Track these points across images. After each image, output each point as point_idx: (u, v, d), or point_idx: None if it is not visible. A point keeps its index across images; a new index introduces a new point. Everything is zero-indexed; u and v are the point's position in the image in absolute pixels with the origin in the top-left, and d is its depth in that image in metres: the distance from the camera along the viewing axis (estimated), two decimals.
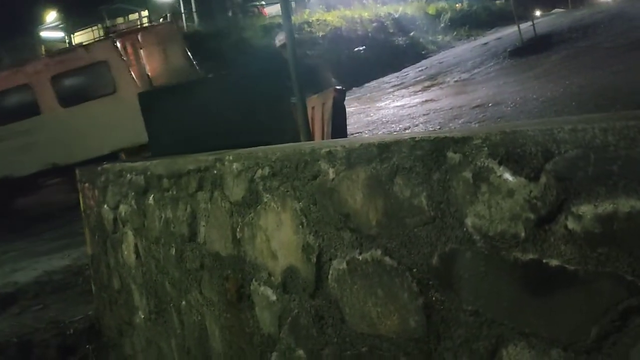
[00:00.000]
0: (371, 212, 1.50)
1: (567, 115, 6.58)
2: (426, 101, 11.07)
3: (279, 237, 1.93)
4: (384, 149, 1.45)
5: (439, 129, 8.06)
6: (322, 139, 5.66)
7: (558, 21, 15.43)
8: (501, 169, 1.16)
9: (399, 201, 1.41)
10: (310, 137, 4.72)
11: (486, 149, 1.19)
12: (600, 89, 7.39)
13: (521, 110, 7.73)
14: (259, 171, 2.01)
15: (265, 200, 1.98)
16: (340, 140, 1.82)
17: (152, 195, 2.92)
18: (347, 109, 7.50)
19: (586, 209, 1.01)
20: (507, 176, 1.15)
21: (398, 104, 11.89)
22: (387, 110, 11.45)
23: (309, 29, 19.16)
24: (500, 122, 7.41)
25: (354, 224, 1.57)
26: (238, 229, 2.18)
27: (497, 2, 21.48)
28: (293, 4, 24.07)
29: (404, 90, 13.55)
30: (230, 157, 2.19)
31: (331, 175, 1.64)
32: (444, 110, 9.42)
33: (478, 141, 1.21)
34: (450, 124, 8.15)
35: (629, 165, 0.95)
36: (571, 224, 1.04)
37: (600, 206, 0.99)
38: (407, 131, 8.64)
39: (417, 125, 8.89)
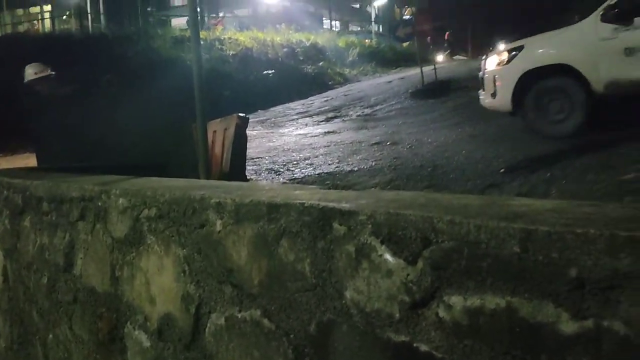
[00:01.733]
0: (254, 271, 1.49)
1: (456, 165, 6.94)
2: (328, 132, 11.26)
3: (159, 282, 1.86)
4: (273, 210, 1.44)
5: (337, 162, 8.22)
6: (221, 164, 5.60)
7: (457, 69, 16.33)
8: (383, 248, 1.19)
9: (283, 264, 1.40)
10: (208, 162, 4.64)
11: (370, 226, 1.22)
12: (488, 140, 7.86)
13: (416, 152, 8.05)
14: (146, 211, 1.94)
15: (149, 241, 1.91)
16: (233, 188, 1.80)
17: (29, 217, 2.74)
18: (250, 132, 7.48)
19: (456, 300, 1.06)
20: (388, 256, 1.17)
21: (301, 132, 12.00)
22: (289, 137, 11.52)
23: (220, 47, 19.01)
24: (396, 162, 7.68)
25: (237, 280, 1.55)
26: (117, 267, 2.08)
27: (404, 44, 22.42)
28: (206, 19, 23.85)
29: (308, 119, 13.71)
30: (117, 192, 2.10)
31: (218, 227, 1.61)
32: (345, 144, 9.61)
33: (363, 217, 1.23)
34: (349, 159, 8.33)
35: (497, 264, 1.00)
36: (442, 312, 1.08)
37: (469, 299, 1.04)
38: (306, 161, 8.73)
39: (316, 157, 9.00)
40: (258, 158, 9.32)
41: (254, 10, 27.61)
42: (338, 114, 13.56)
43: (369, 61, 21.72)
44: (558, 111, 6.87)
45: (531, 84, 6.97)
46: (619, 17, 6.46)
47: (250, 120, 6.66)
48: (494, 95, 7.31)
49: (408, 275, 1.14)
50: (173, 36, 19.32)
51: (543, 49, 7.27)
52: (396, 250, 1.16)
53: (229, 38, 19.91)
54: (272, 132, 12.38)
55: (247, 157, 6.54)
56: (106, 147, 5.21)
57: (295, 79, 18.78)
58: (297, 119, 14.09)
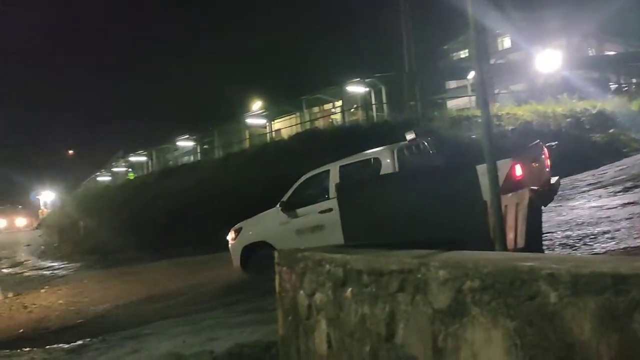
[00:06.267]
0: (602, 347, 1.40)
1: None
2: (628, 204, 10.16)
3: (486, 354, 1.87)
4: (619, 281, 1.36)
5: None
6: (515, 242, 5.43)
7: None
8: None
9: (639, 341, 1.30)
10: (504, 240, 4.55)
11: None
12: None
13: None
14: (468, 282, 1.99)
15: (474, 313, 1.94)
16: (565, 261, 1.75)
17: (350, 289, 3.00)
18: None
19: None
20: None
21: (595, 204, 11.05)
22: (581, 210, 10.69)
23: (497, 123, 18.91)
24: None
25: (580, 356, 1.47)
26: (440, 338, 2.15)
27: None
28: None
29: (601, 190, 12.59)
30: (436, 264, 2.20)
31: (553, 298, 1.57)
32: None
33: None
34: None
35: None
36: None
37: None
38: (606, 235, 7.99)
39: (618, 230, 8.16)
40: (549, 232, 8.83)
41: (531, 83, 26.98)
42: (638, 183, 12.20)
43: None
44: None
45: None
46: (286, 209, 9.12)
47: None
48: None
49: None
50: (450, 117, 19.88)
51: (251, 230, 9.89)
52: None
53: (507, 113, 19.72)
54: (560, 206, 11.65)
55: (541, 237, 6.27)
56: (398, 222, 5.49)
57: (582, 150, 17.55)
58: (588, 190, 13.05)
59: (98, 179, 43.21)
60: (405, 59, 23.74)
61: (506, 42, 36.22)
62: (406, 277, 2.43)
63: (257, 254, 9.34)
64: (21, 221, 41.13)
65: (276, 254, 4.76)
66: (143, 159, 38.01)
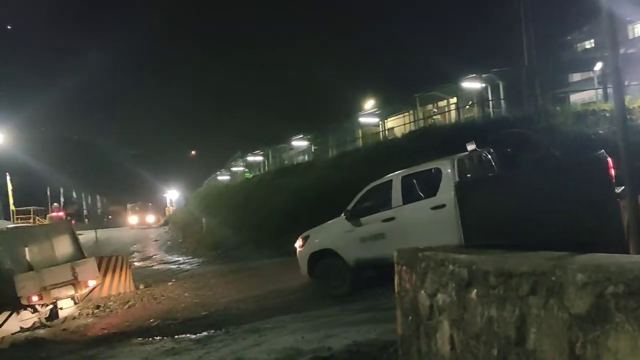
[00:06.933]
0: None
1: None
2: None
3: None
4: None
5: None
6: None
7: None
8: None
9: None
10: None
11: None
12: None
13: None
14: (611, 287, 1.87)
15: (617, 320, 1.82)
16: None
17: (476, 290, 2.92)
18: None
19: None
20: None
21: None
22: None
23: (629, 117, 17.58)
24: None
25: None
26: (578, 345, 2.03)
27: None
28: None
29: None
30: (574, 267, 2.09)
31: None
32: None
33: None
34: None
35: None
36: None
37: None
38: None
39: None
40: None
41: None
42: None
43: None
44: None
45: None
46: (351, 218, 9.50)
47: None
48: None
49: None
50: (574, 112, 18.77)
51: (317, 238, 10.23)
52: None
53: (638, 107, 18.29)
54: None
55: None
56: (519, 222, 5.25)
57: None
58: None
59: (218, 178, 45.31)
60: (525, 52, 22.73)
61: (637, 30, 33.62)
62: (538, 280, 2.33)
63: (324, 261, 9.83)
64: (150, 218, 44.11)
65: (395, 253, 4.74)
66: (259, 158, 39.39)
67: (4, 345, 10.82)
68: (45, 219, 41.39)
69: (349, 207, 9.59)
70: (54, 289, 11.67)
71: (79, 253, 12.90)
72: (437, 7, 56.91)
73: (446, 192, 8.20)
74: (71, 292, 12.07)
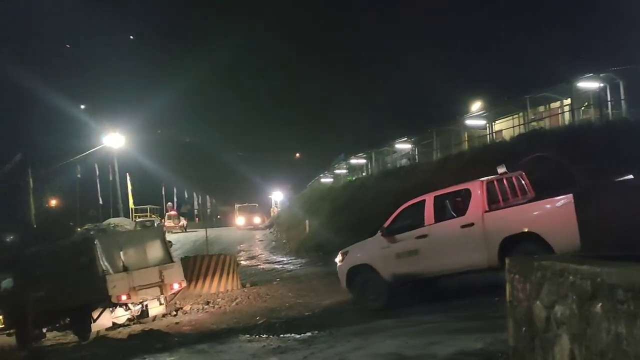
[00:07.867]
0: None
1: None
2: None
3: None
4: None
5: None
6: None
7: None
8: None
9: None
10: None
11: None
12: None
13: None
14: None
15: None
16: None
17: (600, 304, 2.72)
18: None
19: None
20: None
21: None
22: None
23: None
24: None
25: None
26: None
27: None
28: None
29: None
30: None
31: None
32: None
33: None
34: None
35: None
36: None
37: None
38: None
39: None
40: None
41: None
42: None
43: None
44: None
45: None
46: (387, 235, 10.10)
47: None
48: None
49: None
50: None
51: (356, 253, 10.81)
52: None
53: None
54: None
55: None
56: None
57: None
58: None
59: (321, 180, 45.84)
60: None
61: None
62: None
63: (362, 275, 10.36)
64: (257, 219, 45.38)
65: (507, 262, 4.55)
66: (362, 161, 39.40)
67: (123, 336, 11.60)
68: (165, 217, 44.13)
69: (385, 225, 10.16)
70: (142, 289, 12.45)
71: (168, 257, 13.63)
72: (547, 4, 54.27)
73: (475, 212, 8.88)
74: (157, 293, 12.82)
